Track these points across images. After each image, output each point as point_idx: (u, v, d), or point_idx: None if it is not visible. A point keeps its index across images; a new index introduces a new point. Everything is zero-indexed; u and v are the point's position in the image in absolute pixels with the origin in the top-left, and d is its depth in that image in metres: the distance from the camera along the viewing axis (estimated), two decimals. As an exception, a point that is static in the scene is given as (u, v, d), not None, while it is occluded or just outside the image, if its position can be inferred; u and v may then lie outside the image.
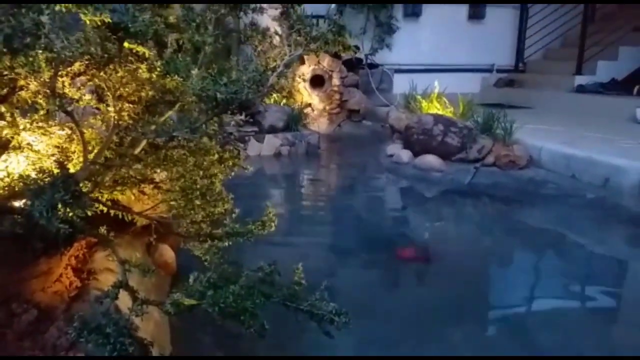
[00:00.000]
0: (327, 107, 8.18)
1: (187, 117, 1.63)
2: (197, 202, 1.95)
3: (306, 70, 7.93)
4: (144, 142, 2.06)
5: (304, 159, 6.19)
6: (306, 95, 8.03)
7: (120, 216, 2.45)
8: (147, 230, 2.56)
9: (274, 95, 7.08)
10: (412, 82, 6.97)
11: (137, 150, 2.05)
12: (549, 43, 9.52)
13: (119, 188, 2.07)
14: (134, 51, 1.43)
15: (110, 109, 1.59)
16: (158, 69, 1.54)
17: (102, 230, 1.96)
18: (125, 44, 1.37)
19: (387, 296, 2.90)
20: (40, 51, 1.06)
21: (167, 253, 2.78)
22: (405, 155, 5.46)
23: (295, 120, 6.48)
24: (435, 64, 9.18)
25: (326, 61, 7.94)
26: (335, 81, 8.10)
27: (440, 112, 5.78)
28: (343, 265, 3.32)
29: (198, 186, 1.90)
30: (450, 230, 4.03)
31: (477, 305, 2.76)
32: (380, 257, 3.40)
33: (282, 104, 7.03)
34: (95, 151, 1.76)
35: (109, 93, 1.57)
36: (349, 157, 6.83)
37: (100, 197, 2.06)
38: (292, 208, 4.46)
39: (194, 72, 1.49)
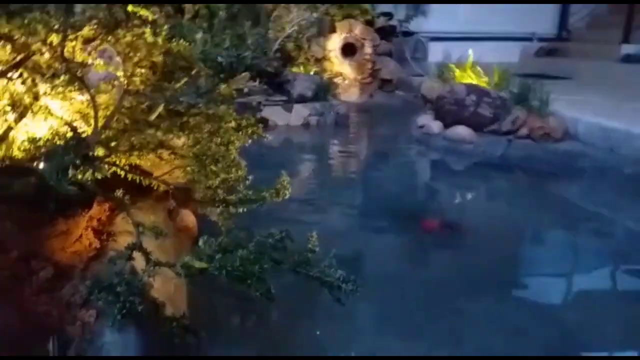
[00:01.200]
0: (359, 77, 8.05)
1: (194, 83, 1.62)
2: (212, 167, 1.96)
3: (337, 38, 7.80)
4: (159, 108, 2.07)
5: (333, 130, 6.14)
6: (337, 64, 7.91)
7: (141, 182, 2.50)
8: (169, 196, 2.62)
9: (303, 64, 7.02)
10: (444, 48, 6.76)
11: (152, 117, 2.07)
12: (595, 9, 9.03)
13: (135, 153, 2.09)
14: (139, 15, 1.42)
15: (120, 73, 1.59)
16: (163, 33, 1.53)
17: (118, 193, 2.01)
18: (130, 8, 1.36)
19: (407, 266, 2.88)
20: (38, 13, 1.06)
21: (188, 218, 2.82)
22: (435, 126, 5.34)
23: (324, 89, 6.41)
24: (472, 31, 8.81)
25: (358, 29, 7.78)
26: (368, 50, 7.94)
27: (474, 82, 5.59)
28: (365, 236, 3.30)
29: (211, 152, 1.90)
30: (477, 203, 3.95)
31: (498, 279, 2.70)
32: (404, 229, 3.37)
33: (312, 72, 6.94)
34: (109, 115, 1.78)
35: (118, 58, 1.57)
36: (378, 128, 6.74)
37: (117, 162, 2.10)
38: (318, 179, 4.44)
39: (198, 36, 1.47)
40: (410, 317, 2.33)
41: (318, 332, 2.21)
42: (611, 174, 4.11)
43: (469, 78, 5.74)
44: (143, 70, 1.63)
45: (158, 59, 1.67)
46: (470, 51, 6.08)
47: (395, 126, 6.43)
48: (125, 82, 1.61)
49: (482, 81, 5.64)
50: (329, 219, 3.56)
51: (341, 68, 7.94)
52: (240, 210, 2.19)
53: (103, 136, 1.75)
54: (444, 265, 2.88)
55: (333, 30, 7.82)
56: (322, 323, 2.25)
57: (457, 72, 5.91)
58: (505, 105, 5.04)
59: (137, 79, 1.71)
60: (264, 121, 5.94)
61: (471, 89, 5.23)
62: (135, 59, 1.60)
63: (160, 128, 2.14)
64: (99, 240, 2.20)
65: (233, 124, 2.34)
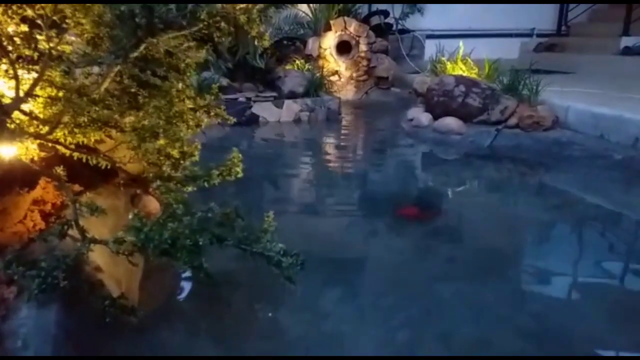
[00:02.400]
0: (354, 74, 7.98)
1: (110, 42, 1.55)
2: (153, 143, 1.89)
3: (332, 36, 7.74)
4: (105, 84, 2.01)
5: (324, 125, 6.06)
6: (332, 62, 7.85)
7: (106, 168, 2.44)
8: (135, 183, 2.55)
9: (297, 61, 6.97)
10: (440, 45, 6.66)
11: (96, 92, 2.01)
12: (595, 4, 8.87)
13: (78, 130, 2.03)
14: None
15: (41, 37, 1.53)
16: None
17: (59, 171, 1.94)
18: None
19: (379, 250, 2.80)
20: None
21: (151, 204, 2.75)
22: (424, 118, 5.25)
23: (315, 85, 6.34)
24: (470, 29, 8.74)
25: (353, 26, 7.71)
26: (363, 47, 7.87)
27: (464, 74, 5.49)
28: (345, 223, 3.21)
29: (154, 127, 1.82)
30: (461, 192, 3.84)
31: (475, 266, 2.60)
32: (380, 215, 3.28)
33: (305, 69, 6.88)
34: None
35: (40, 22, 1.51)
36: (369, 122, 6.66)
37: (62, 140, 2.03)
38: (303, 172, 4.36)
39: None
40: (378, 298, 2.25)
41: (270, 314, 2.12)
42: (601, 161, 3.99)
43: (460, 70, 5.64)
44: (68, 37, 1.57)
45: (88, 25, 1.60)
46: (460, 43, 5.97)
47: (387, 121, 6.35)
48: (48, 48, 1.55)
49: (472, 73, 5.54)
50: (308, 205, 3.51)
51: (336, 66, 7.88)
52: (190, 188, 2.13)
53: (30, 108, 1.69)
54: (419, 249, 2.79)
55: (328, 28, 7.76)
56: (277, 303, 2.17)
57: (449, 65, 5.81)
58: (495, 95, 4.94)
59: (67, 47, 1.65)
60: (255, 118, 5.91)
61: (460, 80, 5.14)
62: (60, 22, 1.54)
63: (107, 104, 2.09)
64: (46, 222, 2.15)
65: (190, 102, 2.28)
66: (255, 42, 6.04)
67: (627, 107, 4.21)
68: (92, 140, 2.02)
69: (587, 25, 9.05)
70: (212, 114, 2.44)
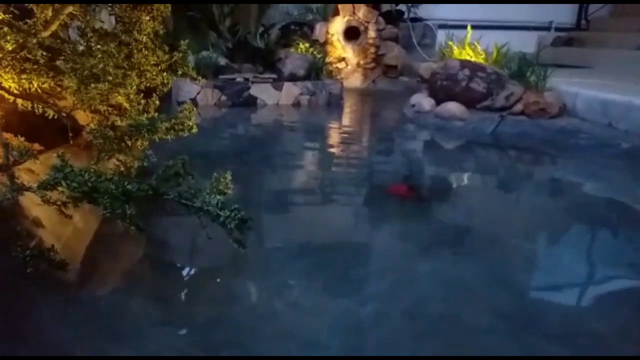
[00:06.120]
0: (362, 62, 7.78)
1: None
2: (93, 88, 1.73)
3: (340, 21, 7.55)
4: (53, 26, 1.87)
5: (324, 110, 5.89)
6: (339, 48, 7.66)
7: (69, 129, 2.32)
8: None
9: (301, 44, 6.78)
10: (450, 34, 6.41)
11: (44, 34, 1.87)
12: (617, -2, 8.52)
13: (25, 76, 1.90)
14: None
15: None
16: None
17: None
18: None
19: (360, 226, 2.64)
20: None
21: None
22: (427, 103, 5.04)
23: (317, 68, 6.15)
24: (484, 19, 8.44)
25: (362, 12, 7.51)
26: (372, 33, 7.66)
27: (471, 59, 5.26)
28: (330, 202, 3.06)
29: (87, 66, 1.68)
30: (455, 176, 3.62)
31: (457, 242, 2.41)
32: (369, 194, 3.12)
33: (309, 53, 6.69)
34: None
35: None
36: (371, 109, 6.47)
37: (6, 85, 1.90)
38: (297, 155, 4.14)
39: None
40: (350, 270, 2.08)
41: (224, 281, 1.96)
42: (607, 149, 3.75)
43: (467, 55, 5.42)
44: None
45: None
46: (469, 27, 5.74)
47: (390, 108, 6.16)
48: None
49: (480, 58, 5.31)
50: (300, 184, 3.35)
51: (344, 52, 7.69)
52: (141, 142, 1.98)
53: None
54: (401, 226, 2.62)
55: (336, 12, 7.58)
56: (236, 270, 2.01)
57: (455, 50, 5.59)
58: (500, 80, 4.71)
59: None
60: (253, 100, 5.75)
61: (465, 64, 4.92)
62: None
63: (55, 48, 1.95)
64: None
65: (150, 54, 2.14)
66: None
67: (638, 93, 3.95)
68: (35, 85, 1.88)
69: (607, 20, 8.69)
70: (179, 72, 2.30)
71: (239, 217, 1.50)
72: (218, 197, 1.52)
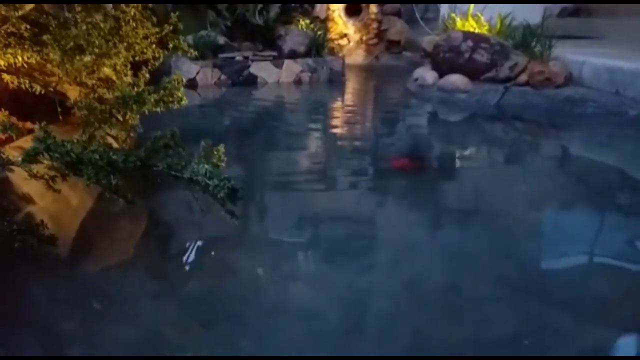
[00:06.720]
0: (364, 38, 7.66)
1: None
2: (77, 58, 1.68)
3: (341, -3, 7.41)
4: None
5: (325, 87, 5.80)
6: (341, 24, 7.54)
7: (62, 109, 2.28)
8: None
9: (302, 21, 6.66)
10: (453, 7, 6.26)
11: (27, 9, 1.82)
12: (626, -36, 8.28)
13: (10, 51, 1.85)
14: None
15: None
16: None
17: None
18: None
19: (362, 198, 2.60)
20: None
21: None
22: (429, 76, 4.95)
23: (318, 45, 6.04)
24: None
25: (363, -14, 7.37)
26: (373, 9, 7.53)
27: (475, 30, 5.15)
28: (341, 177, 3.01)
29: (70, 37, 1.62)
30: (456, 148, 3.56)
31: (453, 212, 2.36)
32: (369, 168, 3.07)
33: (310, 29, 6.57)
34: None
35: None
36: (374, 84, 6.37)
37: None
38: (302, 133, 4.06)
39: None
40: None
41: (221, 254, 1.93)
42: (614, 118, 3.66)
43: (470, 27, 5.29)
44: None
45: None
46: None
47: (392, 83, 6.06)
48: None
49: (483, 29, 5.19)
50: (305, 161, 3.29)
51: (345, 29, 7.57)
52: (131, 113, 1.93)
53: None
54: (401, 197, 2.58)
55: (337, -12, 7.44)
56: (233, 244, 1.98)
57: (459, 22, 5.47)
58: (504, 51, 4.60)
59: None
60: (253, 78, 5.67)
61: (468, 35, 4.81)
62: None
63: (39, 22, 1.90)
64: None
65: (139, 27, 2.08)
66: None
67: (647, 60, 3.85)
68: (20, 60, 1.83)
69: (616, -12, 8.46)
70: (170, 45, 2.24)
71: (229, 186, 1.46)
72: (206, 166, 1.48)
